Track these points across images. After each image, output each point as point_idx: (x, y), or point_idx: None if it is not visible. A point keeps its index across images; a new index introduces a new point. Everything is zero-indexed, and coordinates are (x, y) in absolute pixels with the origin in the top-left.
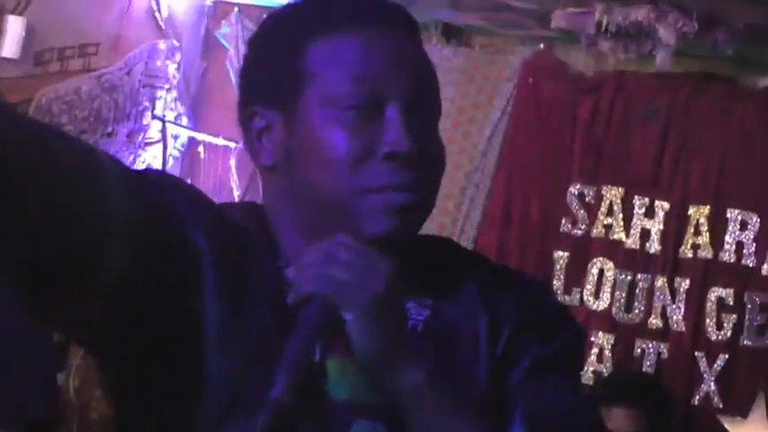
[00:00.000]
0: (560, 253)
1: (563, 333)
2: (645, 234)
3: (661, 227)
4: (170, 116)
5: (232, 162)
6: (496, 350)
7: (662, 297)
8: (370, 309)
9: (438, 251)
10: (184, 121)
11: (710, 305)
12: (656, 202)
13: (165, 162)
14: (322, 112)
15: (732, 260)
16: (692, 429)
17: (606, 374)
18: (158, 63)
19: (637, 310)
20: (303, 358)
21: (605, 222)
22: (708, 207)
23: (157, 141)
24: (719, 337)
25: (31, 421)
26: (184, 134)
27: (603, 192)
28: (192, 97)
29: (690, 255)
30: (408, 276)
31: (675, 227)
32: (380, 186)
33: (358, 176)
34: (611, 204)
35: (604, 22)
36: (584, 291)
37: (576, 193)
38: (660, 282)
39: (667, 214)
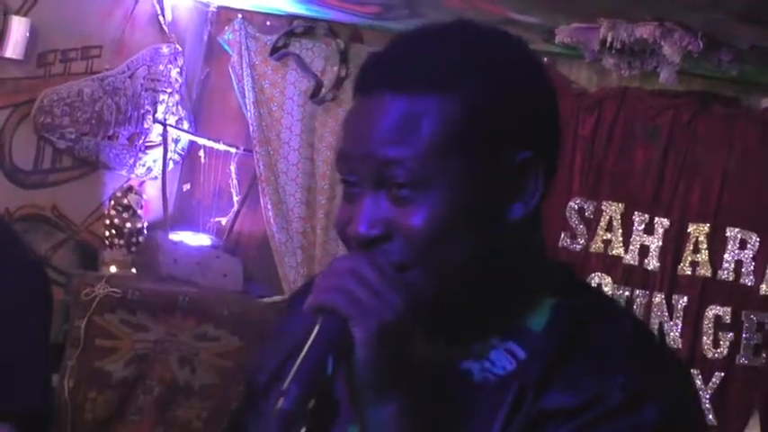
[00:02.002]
0: None
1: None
2: (644, 250)
3: (660, 243)
4: (171, 120)
5: (232, 167)
6: (514, 420)
7: (659, 313)
8: (375, 334)
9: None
10: (185, 125)
11: (708, 323)
12: (656, 219)
13: (165, 166)
14: None
15: (730, 279)
16: None
17: None
18: (161, 67)
19: None
20: (315, 371)
21: (604, 238)
22: (707, 225)
23: (158, 145)
24: (716, 355)
25: (25, 415)
26: (185, 138)
27: (603, 207)
28: (194, 102)
29: (688, 272)
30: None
31: (674, 244)
32: None
33: (346, 244)
34: (610, 220)
35: (609, 39)
36: None
37: (576, 207)
38: (658, 298)
39: (667, 231)
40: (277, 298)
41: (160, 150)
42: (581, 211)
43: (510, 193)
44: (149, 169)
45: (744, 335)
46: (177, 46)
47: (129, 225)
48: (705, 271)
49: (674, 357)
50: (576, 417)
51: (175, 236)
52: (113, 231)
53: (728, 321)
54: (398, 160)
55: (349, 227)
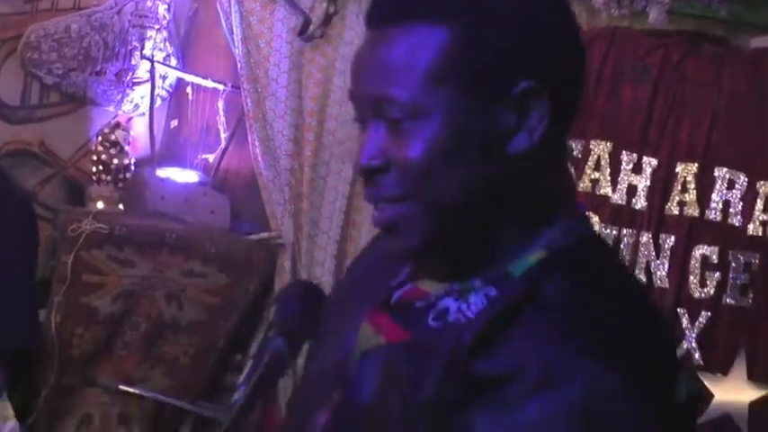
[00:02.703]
0: None
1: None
2: (631, 190)
3: (648, 183)
4: (159, 57)
5: (220, 104)
6: (450, 379)
7: (646, 253)
8: None
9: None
10: (173, 61)
11: (695, 263)
12: (644, 159)
13: (152, 102)
14: None
15: (718, 218)
16: None
17: None
18: (149, 3)
19: None
20: (258, 369)
21: (592, 177)
22: (696, 165)
23: (146, 81)
24: (702, 295)
25: (13, 351)
26: (173, 75)
27: (592, 146)
28: (182, 38)
29: (676, 212)
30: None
31: (662, 184)
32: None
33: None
34: (598, 159)
35: None
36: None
37: None
38: (645, 238)
39: (655, 171)
40: (264, 235)
41: (148, 87)
42: (569, 149)
43: (510, 124)
44: (137, 106)
45: (731, 275)
46: None
47: (116, 161)
48: (693, 211)
49: (640, 333)
50: (494, 392)
51: (163, 172)
52: (101, 167)
53: (716, 261)
54: (391, 98)
55: (356, 165)
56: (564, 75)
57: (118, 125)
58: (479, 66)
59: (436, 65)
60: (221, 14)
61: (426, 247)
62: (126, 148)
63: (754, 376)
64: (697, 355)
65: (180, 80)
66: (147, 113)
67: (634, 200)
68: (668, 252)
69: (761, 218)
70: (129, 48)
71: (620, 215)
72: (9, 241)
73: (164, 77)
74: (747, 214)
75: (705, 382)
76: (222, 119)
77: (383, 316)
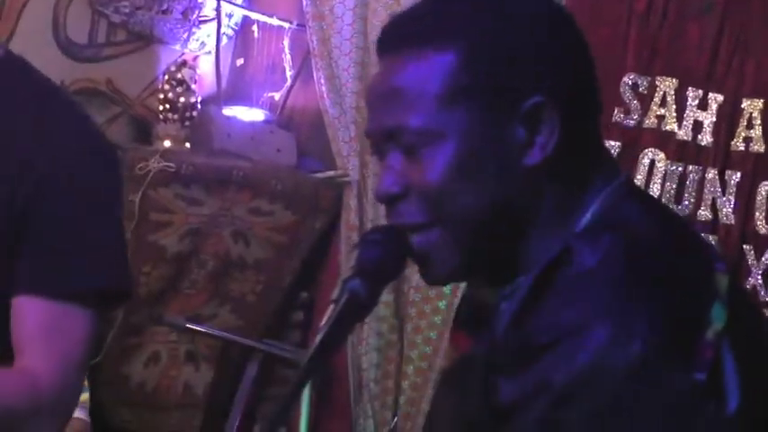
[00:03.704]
0: (611, 143)
1: None
2: (697, 126)
3: (714, 119)
4: None
5: (285, 42)
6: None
7: (712, 189)
8: None
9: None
10: None
11: (761, 199)
12: (710, 95)
13: (218, 40)
14: None
15: None
16: None
17: None
18: None
19: (686, 202)
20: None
21: (658, 113)
22: (761, 101)
23: (212, 19)
24: None
25: (103, 291)
26: (239, 13)
27: (657, 82)
28: None
29: (742, 148)
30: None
31: (728, 119)
32: None
33: None
34: (664, 95)
35: None
36: (635, 181)
37: (630, 83)
38: (711, 174)
39: (720, 106)
40: (330, 173)
41: (214, 25)
42: (635, 86)
43: (522, 139)
44: (203, 44)
45: None
46: None
47: (182, 99)
48: (759, 147)
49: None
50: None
51: (229, 110)
52: (167, 106)
53: None
54: (405, 126)
55: (375, 193)
56: (573, 85)
57: (184, 63)
58: (487, 85)
59: (446, 88)
60: None
61: (460, 269)
62: (192, 86)
63: None
64: (763, 292)
65: (246, 18)
66: (214, 52)
67: (700, 136)
68: (734, 188)
69: None
70: None
71: (686, 151)
72: (107, 187)
73: (230, 15)
74: None
75: None
76: (288, 57)
77: (460, 333)
